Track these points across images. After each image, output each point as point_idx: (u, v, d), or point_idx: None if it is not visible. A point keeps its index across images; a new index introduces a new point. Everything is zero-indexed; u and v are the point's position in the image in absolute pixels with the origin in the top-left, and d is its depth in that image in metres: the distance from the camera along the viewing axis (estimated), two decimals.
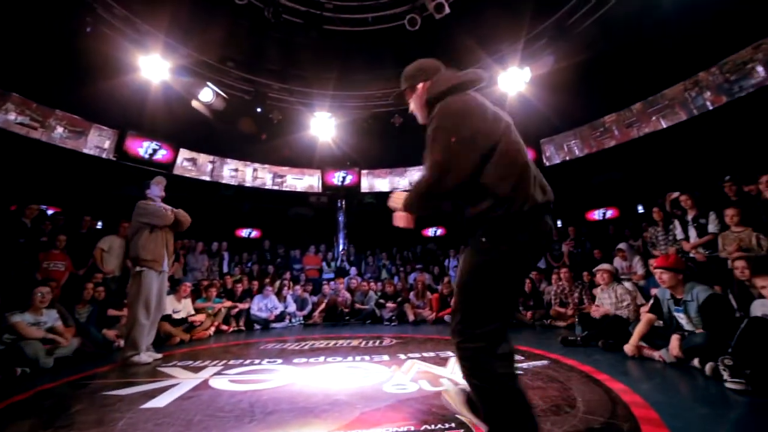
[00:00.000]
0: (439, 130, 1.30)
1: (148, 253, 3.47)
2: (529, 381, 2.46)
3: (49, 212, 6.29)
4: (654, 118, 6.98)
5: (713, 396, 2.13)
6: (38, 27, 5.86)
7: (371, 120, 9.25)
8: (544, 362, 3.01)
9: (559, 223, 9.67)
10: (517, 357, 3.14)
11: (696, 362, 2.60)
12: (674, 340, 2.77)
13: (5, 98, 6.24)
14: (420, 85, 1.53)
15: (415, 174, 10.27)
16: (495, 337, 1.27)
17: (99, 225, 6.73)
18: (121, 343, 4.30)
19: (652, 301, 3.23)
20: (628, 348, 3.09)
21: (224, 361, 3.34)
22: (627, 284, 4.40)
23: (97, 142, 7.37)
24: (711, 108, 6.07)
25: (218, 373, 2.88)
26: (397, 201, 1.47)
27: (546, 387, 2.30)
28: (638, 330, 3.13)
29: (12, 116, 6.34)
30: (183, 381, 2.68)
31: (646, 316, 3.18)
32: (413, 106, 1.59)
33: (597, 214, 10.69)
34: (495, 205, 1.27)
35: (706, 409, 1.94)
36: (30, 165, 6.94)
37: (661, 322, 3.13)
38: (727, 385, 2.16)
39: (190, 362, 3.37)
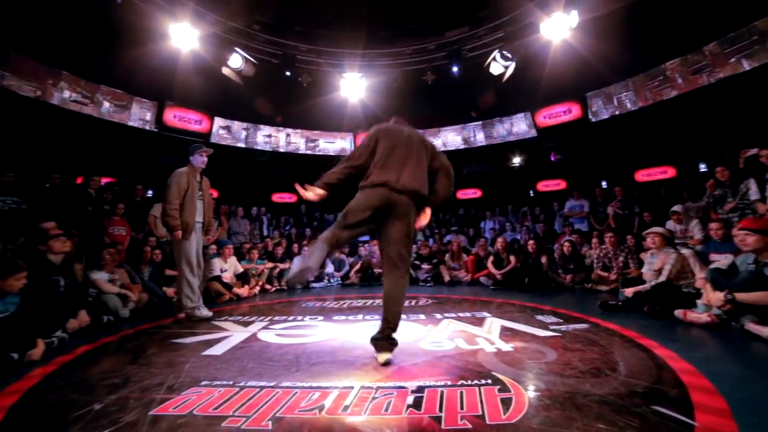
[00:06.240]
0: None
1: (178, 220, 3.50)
2: (568, 343, 2.43)
3: (102, 182, 6.80)
4: (733, 59, 6.07)
5: None
6: (72, 1, 6.02)
7: (401, 79, 8.89)
8: (584, 325, 2.95)
9: (604, 184, 9.06)
10: (555, 319, 3.15)
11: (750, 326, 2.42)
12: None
13: (58, 76, 6.62)
14: None
15: (449, 134, 9.89)
16: None
17: (149, 193, 7.21)
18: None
19: (729, 265, 2.96)
20: (715, 298, 2.65)
21: (270, 317, 3.59)
22: (685, 250, 4.06)
23: (140, 115, 7.72)
24: None
25: (265, 328, 3.12)
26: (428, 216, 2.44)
27: (585, 350, 2.27)
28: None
29: (66, 94, 6.74)
30: (235, 333, 2.93)
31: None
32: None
33: (648, 174, 9.84)
34: None
35: None
36: (84, 139, 7.46)
37: None
38: None
39: (240, 317, 3.66)
